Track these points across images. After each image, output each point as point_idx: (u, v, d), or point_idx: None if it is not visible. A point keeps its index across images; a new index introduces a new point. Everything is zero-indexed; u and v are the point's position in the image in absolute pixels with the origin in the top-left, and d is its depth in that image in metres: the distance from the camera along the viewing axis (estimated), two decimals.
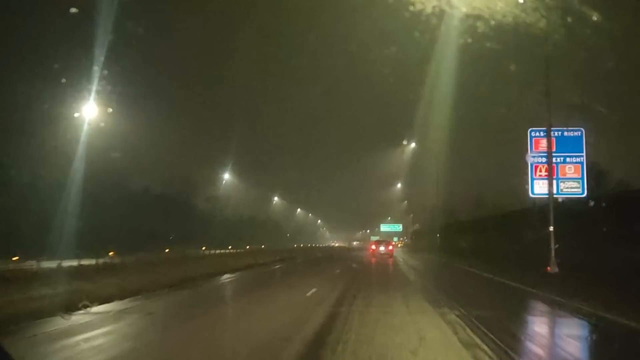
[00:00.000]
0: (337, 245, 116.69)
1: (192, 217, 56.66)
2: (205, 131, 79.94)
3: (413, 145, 45.83)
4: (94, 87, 25.18)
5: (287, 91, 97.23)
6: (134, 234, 39.13)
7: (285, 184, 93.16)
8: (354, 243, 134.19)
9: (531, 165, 20.65)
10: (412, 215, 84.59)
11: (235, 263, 22.46)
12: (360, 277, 17.46)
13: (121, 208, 40.38)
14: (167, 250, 27.45)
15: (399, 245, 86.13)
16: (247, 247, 43.76)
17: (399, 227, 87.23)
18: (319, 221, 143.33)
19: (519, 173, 22.21)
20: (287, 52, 78.32)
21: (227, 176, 61.74)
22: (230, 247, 41.72)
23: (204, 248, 33.51)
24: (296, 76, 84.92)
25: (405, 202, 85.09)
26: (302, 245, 78.81)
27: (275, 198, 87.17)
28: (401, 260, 31.93)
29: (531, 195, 20.68)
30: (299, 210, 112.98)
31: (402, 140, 49.61)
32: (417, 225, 79.98)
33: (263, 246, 52.54)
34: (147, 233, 42.21)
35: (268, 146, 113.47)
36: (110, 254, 18.66)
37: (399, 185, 78.58)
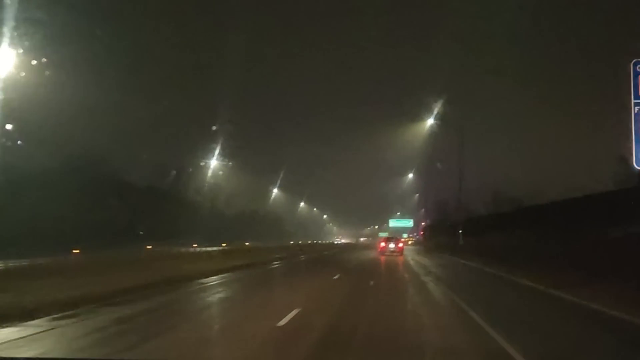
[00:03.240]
0: (342, 242, 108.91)
1: (175, 211, 49.67)
2: (192, 111, 71.51)
3: (431, 121, 37.89)
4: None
5: (286, 67, 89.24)
6: (87, 229, 32.53)
7: (286, 175, 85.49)
8: (361, 239, 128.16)
9: (636, 120, 12.73)
10: (423, 210, 76.73)
11: (179, 270, 15.26)
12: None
13: (75, 198, 33.54)
14: (76, 252, 20.00)
15: (409, 242, 78.47)
16: (224, 245, 36.49)
17: (409, 223, 79.53)
18: (325, 216, 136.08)
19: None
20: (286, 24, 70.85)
21: (214, 162, 51.62)
22: (195, 245, 34.46)
23: (149, 247, 26.04)
24: (298, 49, 76.81)
25: (417, 195, 77.24)
26: (300, 242, 71.40)
27: (275, 190, 79.39)
28: (418, 265, 22.99)
29: (637, 167, 12.75)
30: (302, 204, 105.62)
31: (416, 117, 41.63)
32: (428, 220, 72.28)
33: (247, 244, 45.17)
34: (110, 229, 35.87)
35: (265, 134, 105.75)
36: None
37: (411, 175, 70.62)
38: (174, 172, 53.35)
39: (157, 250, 24.05)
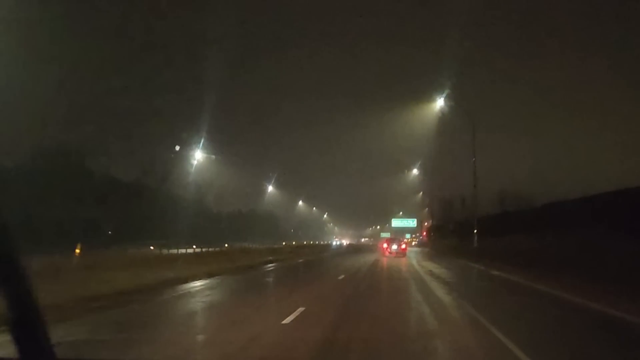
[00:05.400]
0: (342, 242, 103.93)
1: (156, 208, 45.06)
2: (184, 105, 67.55)
3: (440, 104, 33.00)
4: None
5: (282, 48, 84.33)
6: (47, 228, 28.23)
7: (284, 174, 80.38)
8: (362, 240, 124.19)
9: None
10: (427, 208, 71.71)
11: (104, 285, 10.54)
12: None
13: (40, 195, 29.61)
14: None
15: (413, 243, 73.58)
16: (194, 247, 31.72)
17: (413, 222, 74.58)
18: (325, 216, 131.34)
19: None
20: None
21: (204, 158, 46.02)
22: (152, 247, 29.76)
23: (78, 251, 21.16)
24: (291, 30, 71.90)
25: (421, 193, 72.32)
26: (294, 242, 66.77)
27: (270, 188, 74.09)
28: (432, 277, 15.73)
29: None
30: (300, 203, 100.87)
31: (420, 107, 36.85)
32: (432, 220, 67.45)
33: (227, 245, 40.62)
34: (77, 227, 31.59)
35: (262, 130, 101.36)
36: None
37: (415, 171, 65.69)
38: (162, 171, 49.18)
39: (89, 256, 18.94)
